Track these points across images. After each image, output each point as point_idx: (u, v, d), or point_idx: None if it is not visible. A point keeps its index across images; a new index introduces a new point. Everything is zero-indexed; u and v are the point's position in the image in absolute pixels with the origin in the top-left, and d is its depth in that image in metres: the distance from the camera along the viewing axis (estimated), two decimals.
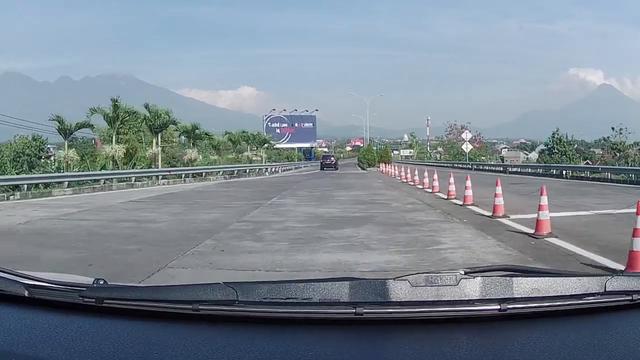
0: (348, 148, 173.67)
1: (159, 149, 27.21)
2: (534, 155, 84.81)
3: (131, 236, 7.61)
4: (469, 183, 12.25)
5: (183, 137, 31.34)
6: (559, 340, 0.93)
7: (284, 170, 44.52)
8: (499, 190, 9.96)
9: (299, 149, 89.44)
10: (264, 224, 8.80)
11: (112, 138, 24.26)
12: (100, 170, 21.60)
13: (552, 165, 35.14)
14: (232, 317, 0.99)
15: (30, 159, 34.78)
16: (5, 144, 38.78)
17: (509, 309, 0.98)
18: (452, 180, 14.04)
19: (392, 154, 60.23)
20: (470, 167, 46.46)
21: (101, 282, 1.15)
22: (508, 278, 1.03)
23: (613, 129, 46.13)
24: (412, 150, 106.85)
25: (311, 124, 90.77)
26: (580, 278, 1.05)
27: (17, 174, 20.06)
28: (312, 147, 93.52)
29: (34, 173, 20.68)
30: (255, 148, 47.09)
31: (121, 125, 23.55)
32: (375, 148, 61.39)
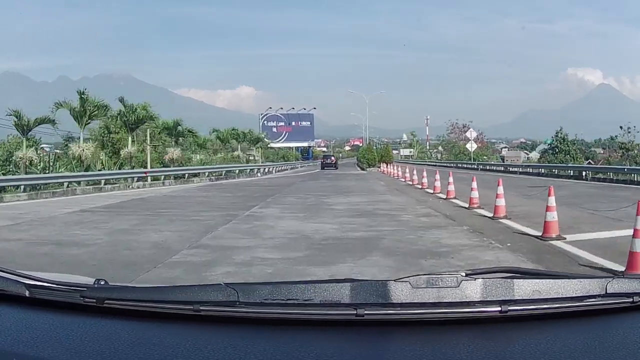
0: (347, 148, 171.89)
1: (148, 147, 24.81)
2: (534, 155, 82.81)
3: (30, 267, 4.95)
4: (500, 190, 9.61)
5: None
6: (560, 342, 0.93)
7: (278, 171, 41.82)
8: (551, 202, 7.37)
9: (297, 148, 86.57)
10: (223, 252, 6.16)
11: (82, 135, 21.51)
12: (62, 171, 18.89)
13: (571, 165, 32.14)
14: (233, 318, 0.98)
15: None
16: None
17: (510, 310, 0.97)
18: (475, 184, 11.40)
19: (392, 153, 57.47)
20: (476, 167, 43.85)
21: (102, 283, 1.14)
22: (509, 280, 1.03)
23: (621, 127, 44.27)
24: (412, 150, 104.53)
25: (309, 123, 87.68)
26: (581, 280, 1.05)
27: (3, 174, 17.80)
28: (309, 147, 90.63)
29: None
30: (249, 147, 44.42)
31: (89, 121, 20.84)
32: (375, 147, 58.60)
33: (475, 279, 1.01)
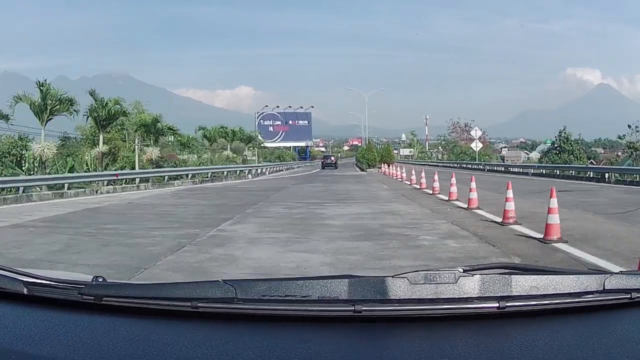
0: (345, 147, 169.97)
1: (136, 147, 22.46)
2: (535, 155, 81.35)
3: None
4: (554, 203, 7.08)
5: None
6: (558, 338, 0.93)
7: (273, 172, 39.17)
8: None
9: (294, 148, 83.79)
10: None
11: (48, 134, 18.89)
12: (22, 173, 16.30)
13: (593, 167, 29.27)
14: (231, 314, 0.98)
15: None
16: None
17: (508, 306, 0.97)
18: (510, 193, 8.83)
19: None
20: (482, 167, 41.28)
21: (100, 280, 1.13)
22: (507, 276, 1.03)
23: (629, 126, 42.15)
24: (411, 150, 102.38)
25: (306, 122, 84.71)
26: (579, 276, 1.05)
27: None
28: (307, 146, 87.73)
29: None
30: (240, 146, 41.69)
31: (50, 117, 18.24)
32: (376, 146, 55.88)
33: (473, 275, 1.00)
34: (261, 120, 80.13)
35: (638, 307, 1.04)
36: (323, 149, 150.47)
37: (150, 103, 29.21)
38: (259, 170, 33.50)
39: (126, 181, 20.30)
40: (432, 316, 0.96)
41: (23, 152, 20.14)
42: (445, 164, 57.44)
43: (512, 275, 1.03)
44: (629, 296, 1.02)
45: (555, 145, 54.73)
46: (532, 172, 30.86)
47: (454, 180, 13.08)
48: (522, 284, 1.00)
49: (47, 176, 16.76)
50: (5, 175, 17.03)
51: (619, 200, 13.35)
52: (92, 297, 1.03)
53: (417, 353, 0.87)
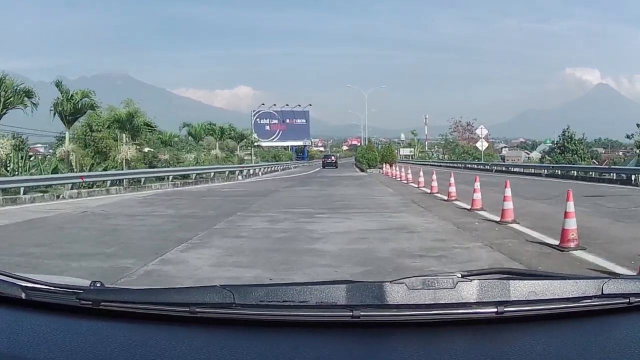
0: (345, 147, 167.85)
1: (124, 146, 20.16)
2: (535, 155, 79.47)
3: None
4: None
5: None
6: (556, 343, 0.92)
7: (267, 172, 36.65)
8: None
9: (291, 147, 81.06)
10: None
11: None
12: None
13: (628, 168, 26.58)
14: (229, 319, 0.98)
15: None
16: None
17: (506, 311, 0.97)
18: (571, 206, 6.42)
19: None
20: (489, 168, 38.86)
21: (98, 285, 1.13)
22: (505, 281, 1.02)
23: (638, 125, 40.19)
24: (412, 149, 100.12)
25: (304, 120, 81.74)
26: (577, 281, 1.05)
27: None
28: (305, 146, 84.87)
29: None
30: (236, 145, 39.14)
31: (4, 111, 15.83)
32: (376, 146, 53.22)
33: (471, 280, 1.00)
34: (257, 119, 77.22)
35: (636, 311, 1.02)
36: (322, 148, 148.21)
37: (144, 101, 28.01)
38: (251, 171, 30.90)
39: (95, 185, 17.85)
40: (430, 321, 0.96)
41: None
42: (448, 164, 55.08)
43: (510, 281, 1.02)
44: (627, 301, 1.01)
45: (559, 144, 52.93)
46: (546, 173, 28.50)
47: (477, 184, 10.62)
48: (520, 289, 0.99)
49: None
50: None
51: None
52: (90, 302, 1.03)
53: (415, 358, 0.86)
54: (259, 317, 0.97)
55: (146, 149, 31.32)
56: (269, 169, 38.23)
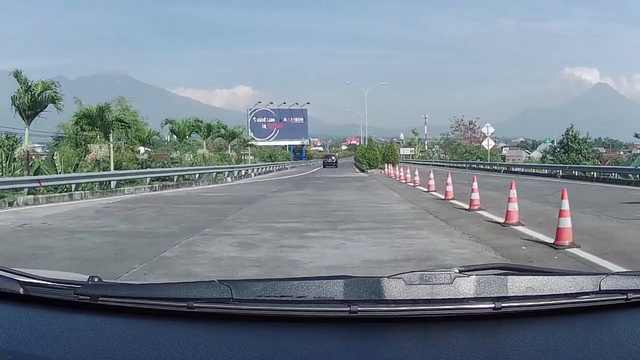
0: (343, 147, 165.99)
1: (111, 145, 18.05)
2: (536, 154, 77.61)
3: None
4: None
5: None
6: (554, 339, 0.92)
7: (261, 173, 34.22)
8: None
9: (289, 146, 78.43)
10: None
11: None
12: None
13: None
14: (227, 314, 0.97)
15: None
16: None
17: (504, 307, 0.96)
18: None
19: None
20: (497, 168, 36.54)
21: (96, 280, 1.13)
22: (502, 276, 1.02)
23: None
24: (412, 149, 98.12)
25: (302, 119, 78.98)
26: (575, 277, 1.04)
27: None
28: (303, 145, 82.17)
29: None
30: (227, 143, 36.64)
31: None
32: (378, 145, 50.64)
33: (469, 275, 0.99)
34: (254, 118, 74.71)
35: (634, 308, 1.02)
36: (321, 148, 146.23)
37: (135, 99, 26.71)
38: (243, 172, 28.44)
39: (58, 189, 15.49)
40: (427, 317, 0.95)
41: None
42: (451, 164, 52.80)
43: (508, 276, 1.02)
44: (625, 297, 1.01)
45: (563, 144, 51.01)
46: (561, 174, 26.21)
47: (513, 192, 8.27)
48: (518, 284, 0.99)
49: None
50: None
51: None
52: (88, 297, 1.03)
53: (412, 353, 0.86)
54: (256, 312, 0.96)
55: (143, 149, 29.22)
56: (263, 170, 35.69)
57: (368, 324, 0.94)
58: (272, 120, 76.50)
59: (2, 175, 16.77)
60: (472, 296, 0.96)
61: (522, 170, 32.78)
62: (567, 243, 6.11)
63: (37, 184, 14.65)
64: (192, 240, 6.94)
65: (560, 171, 26.94)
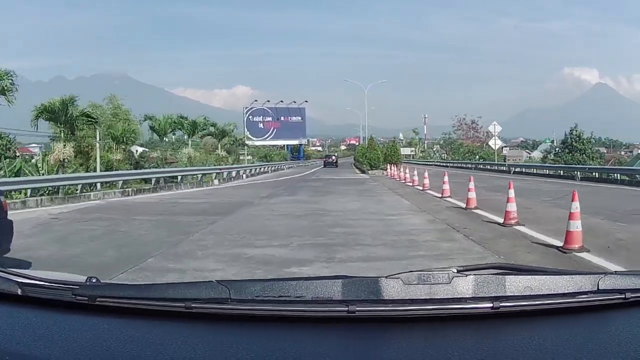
0: (343, 147, 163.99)
1: (97, 145, 16.07)
2: (537, 154, 76.26)
3: None
4: None
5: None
6: (552, 338, 0.91)
7: (254, 174, 31.97)
8: None
9: (287, 146, 75.99)
10: None
11: None
12: None
13: None
14: (225, 315, 0.97)
15: None
16: None
17: (502, 307, 0.96)
18: None
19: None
20: (507, 169, 34.29)
21: (94, 280, 1.12)
22: (501, 276, 1.01)
23: None
24: (413, 149, 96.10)
25: (300, 118, 76.48)
26: (573, 276, 1.04)
27: None
28: (301, 145, 79.76)
29: None
30: (217, 142, 34.25)
31: None
32: (380, 145, 48.18)
33: (467, 275, 0.99)
34: (250, 117, 72.30)
35: (632, 307, 1.02)
36: (319, 148, 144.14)
37: (127, 97, 26.06)
38: (234, 174, 26.18)
39: (10, 194, 13.20)
40: (425, 316, 0.95)
41: None
42: (455, 164, 50.61)
43: (506, 276, 1.01)
44: (623, 296, 1.01)
45: (567, 144, 49.24)
46: (580, 175, 23.99)
47: (576, 206, 6.05)
48: (516, 284, 0.99)
49: None
50: None
51: None
52: (86, 298, 1.02)
53: (410, 353, 0.86)
54: (254, 312, 0.96)
55: (140, 149, 27.10)
56: (257, 171, 33.37)
57: (366, 324, 0.94)
58: (269, 119, 73.99)
59: None
60: (470, 296, 0.95)
61: (534, 171, 30.53)
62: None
63: None
64: (117, 279, 4.68)
65: (579, 172, 24.75)
